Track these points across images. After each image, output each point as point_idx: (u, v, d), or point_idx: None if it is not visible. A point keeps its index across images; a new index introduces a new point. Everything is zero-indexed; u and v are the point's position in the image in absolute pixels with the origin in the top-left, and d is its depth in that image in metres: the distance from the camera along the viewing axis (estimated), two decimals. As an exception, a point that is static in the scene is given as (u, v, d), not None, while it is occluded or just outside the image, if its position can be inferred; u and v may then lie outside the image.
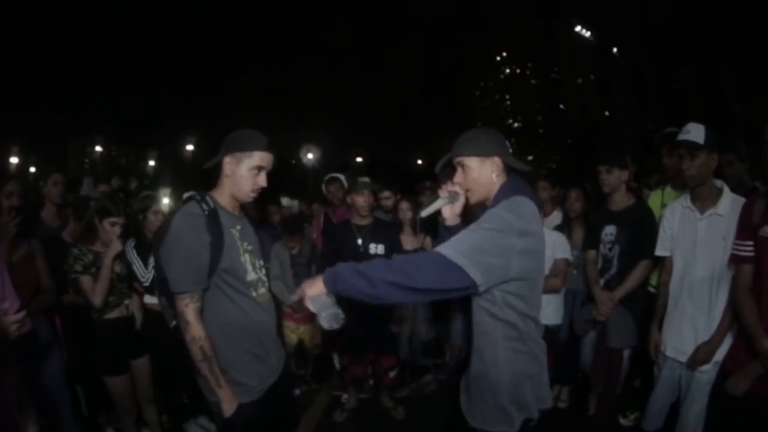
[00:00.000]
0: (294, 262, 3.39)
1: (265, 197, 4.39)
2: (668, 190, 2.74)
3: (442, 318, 3.31)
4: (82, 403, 2.75)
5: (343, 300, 2.81)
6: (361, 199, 2.77)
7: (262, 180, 1.60)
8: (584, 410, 2.86)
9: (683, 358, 2.01)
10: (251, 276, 1.62)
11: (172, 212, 1.63)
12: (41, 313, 2.34)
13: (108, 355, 2.31)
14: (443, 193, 1.54)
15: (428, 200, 1.59)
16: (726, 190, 1.97)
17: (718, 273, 1.91)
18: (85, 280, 2.24)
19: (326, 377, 3.58)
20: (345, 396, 3.17)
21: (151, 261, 2.56)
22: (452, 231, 1.58)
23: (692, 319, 1.99)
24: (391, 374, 2.96)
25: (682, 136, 1.98)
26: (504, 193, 1.39)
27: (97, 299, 2.24)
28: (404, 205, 3.16)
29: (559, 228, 2.97)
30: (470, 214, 1.61)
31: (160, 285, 1.59)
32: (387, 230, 2.88)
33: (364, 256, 2.79)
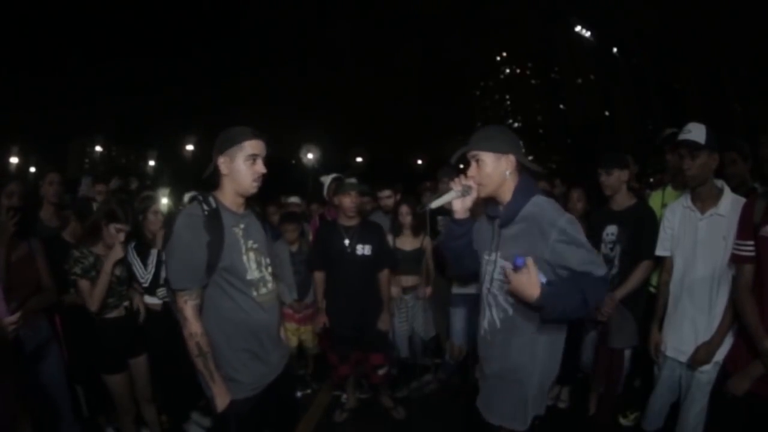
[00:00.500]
0: (294, 260, 3.40)
1: (265, 197, 4.40)
2: (669, 189, 2.74)
3: (442, 318, 3.32)
4: (82, 403, 2.75)
5: (331, 297, 2.83)
6: (348, 200, 2.78)
7: (260, 167, 1.61)
8: (584, 410, 2.86)
9: (683, 358, 2.01)
10: (252, 275, 1.64)
11: (177, 213, 1.67)
12: (42, 313, 2.34)
13: (106, 353, 2.31)
14: (456, 185, 1.55)
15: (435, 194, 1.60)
16: (726, 190, 1.97)
17: (718, 273, 1.91)
18: (83, 285, 2.24)
19: (326, 377, 3.58)
20: (345, 396, 3.17)
21: (150, 261, 2.56)
22: (460, 224, 1.60)
23: (692, 319, 1.99)
24: (380, 372, 2.96)
25: (683, 136, 1.98)
26: (524, 192, 1.48)
27: (94, 304, 2.25)
28: (404, 209, 3.15)
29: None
30: (475, 210, 1.63)
31: (167, 281, 1.64)
32: (374, 231, 2.90)
33: (351, 256, 2.80)
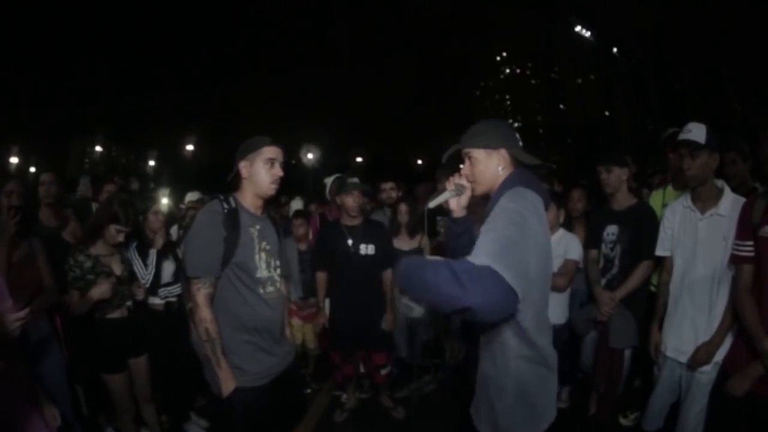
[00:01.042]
0: (302, 259, 3.41)
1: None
2: (669, 189, 2.74)
3: (442, 318, 3.32)
4: (82, 403, 2.75)
5: (335, 297, 2.85)
6: (350, 200, 2.78)
7: (277, 170, 1.76)
8: (584, 410, 2.86)
9: (683, 359, 2.01)
10: (262, 273, 1.77)
11: (186, 209, 1.89)
12: (42, 313, 2.34)
13: (106, 352, 2.31)
14: (450, 185, 1.55)
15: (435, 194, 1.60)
16: (727, 190, 1.97)
17: (718, 273, 1.91)
18: (72, 294, 2.24)
19: (326, 377, 3.58)
20: (345, 396, 3.17)
21: (150, 262, 2.56)
22: (458, 223, 1.60)
23: (692, 320, 1.99)
24: (383, 372, 2.96)
25: (683, 136, 1.98)
26: (507, 185, 1.36)
27: (73, 313, 2.25)
28: (403, 208, 3.15)
29: (562, 227, 2.98)
30: (473, 208, 1.62)
31: (183, 271, 1.80)
32: (377, 230, 2.89)
33: (354, 256, 2.80)
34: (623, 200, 2.58)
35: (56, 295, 2.35)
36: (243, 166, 1.76)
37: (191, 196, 4.02)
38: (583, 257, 2.74)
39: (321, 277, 2.96)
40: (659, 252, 2.22)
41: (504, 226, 1.17)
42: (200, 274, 1.67)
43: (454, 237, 1.64)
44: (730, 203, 1.91)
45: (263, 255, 1.77)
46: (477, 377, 1.49)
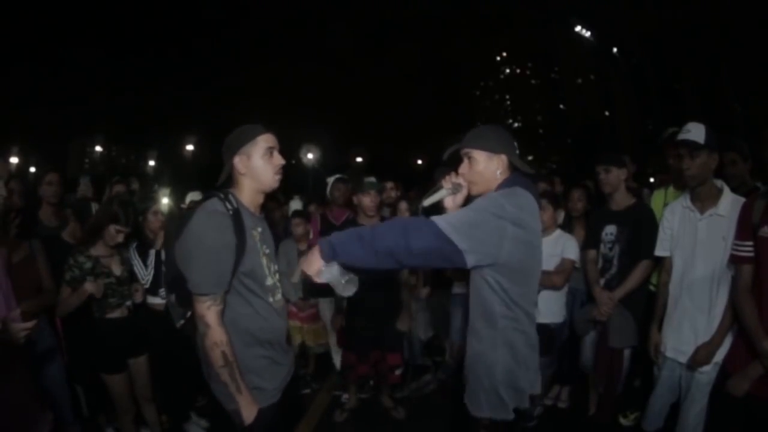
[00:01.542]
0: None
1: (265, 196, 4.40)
2: (671, 189, 2.74)
3: (442, 317, 3.32)
4: (82, 403, 2.75)
5: (351, 300, 2.76)
6: (368, 199, 2.77)
7: (278, 159, 1.57)
8: (584, 410, 2.86)
9: (683, 359, 2.00)
10: (269, 281, 1.57)
11: (186, 209, 1.63)
12: (42, 314, 2.34)
13: (106, 352, 2.32)
14: (446, 183, 1.56)
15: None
16: (726, 190, 1.97)
17: (718, 273, 1.91)
18: (64, 290, 2.24)
19: (326, 377, 3.58)
20: (345, 396, 3.17)
21: (150, 262, 2.55)
22: None
23: (692, 320, 1.98)
24: (397, 372, 2.97)
25: (682, 136, 1.97)
26: (505, 186, 1.44)
27: (60, 312, 2.26)
28: (403, 206, 3.16)
29: (560, 228, 2.98)
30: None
31: (171, 282, 1.53)
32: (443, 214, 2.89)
33: None
34: (621, 200, 2.58)
35: (55, 296, 2.35)
36: (238, 162, 1.53)
37: (192, 196, 4.03)
38: (580, 257, 2.75)
39: None
40: (659, 252, 2.22)
41: (475, 209, 1.32)
42: (211, 290, 1.41)
43: None
44: (729, 203, 1.91)
45: (265, 260, 1.57)
46: (466, 365, 1.54)
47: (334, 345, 3.41)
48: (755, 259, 1.71)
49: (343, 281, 1.33)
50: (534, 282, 1.47)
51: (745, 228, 1.74)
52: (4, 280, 1.62)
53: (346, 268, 1.32)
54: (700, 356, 1.92)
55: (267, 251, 1.59)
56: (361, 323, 2.85)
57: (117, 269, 2.34)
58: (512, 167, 1.51)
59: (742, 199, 1.87)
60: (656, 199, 2.80)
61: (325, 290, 3.23)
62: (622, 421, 2.77)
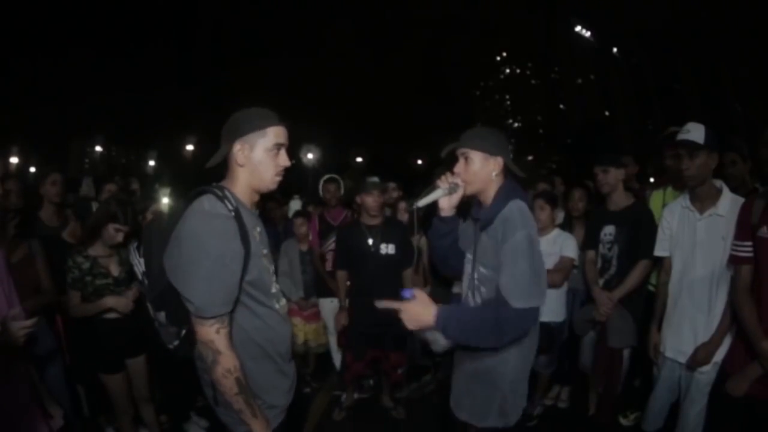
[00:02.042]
0: (302, 259, 3.42)
1: (265, 196, 4.39)
2: (669, 190, 2.74)
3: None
4: (83, 403, 2.75)
5: (354, 299, 2.73)
6: (371, 199, 2.78)
7: (283, 159, 1.33)
8: (584, 410, 2.86)
9: (683, 359, 2.01)
10: (274, 287, 1.40)
11: (174, 208, 1.39)
12: (42, 314, 2.34)
13: (104, 352, 2.32)
14: (443, 183, 1.56)
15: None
16: (725, 190, 1.97)
17: (717, 273, 1.91)
18: (73, 295, 2.25)
19: (326, 377, 3.59)
20: (345, 396, 3.17)
21: (151, 262, 2.55)
22: (446, 222, 1.63)
23: (692, 320, 1.99)
24: (400, 371, 2.97)
25: (681, 136, 1.98)
26: (506, 194, 1.48)
27: (74, 314, 2.27)
28: (402, 206, 3.16)
29: (561, 227, 2.99)
30: (463, 206, 1.64)
31: (158, 298, 1.30)
32: (397, 229, 2.90)
33: (375, 255, 2.80)
34: (620, 200, 2.58)
35: (54, 297, 2.35)
36: (238, 150, 1.28)
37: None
38: (579, 256, 2.75)
39: (341, 276, 2.97)
40: (658, 252, 2.22)
41: (525, 260, 1.38)
42: (219, 311, 1.20)
43: (439, 236, 1.67)
44: (728, 203, 1.91)
45: (264, 261, 1.37)
46: (465, 377, 1.56)
47: (334, 345, 3.41)
48: (754, 260, 1.71)
49: (441, 342, 1.45)
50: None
51: (744, 228, 1.74)
52: (5, 279, 1.62)
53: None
54: (700, 356, 1.92)
55: (265, 252, 1.39)
56: (365, 322, 2.85)
57: (115, 270, 2.34)
58: (507, 171, 1.53)
59: (742, 200, 1.87)
60: (655, 200, 2.80)
61: (326, 290, 3.24)
62: (622, 421, 2.77)
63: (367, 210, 2.82)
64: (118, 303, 2.27)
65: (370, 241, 2.82)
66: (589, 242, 2.69)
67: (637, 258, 2.44)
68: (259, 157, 1.30)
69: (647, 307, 2.37)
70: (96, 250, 2.30)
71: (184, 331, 1.30)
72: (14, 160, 21.96)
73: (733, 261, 1.78)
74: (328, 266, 3.32)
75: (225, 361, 1.21)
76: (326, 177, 3.69)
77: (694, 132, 1.94)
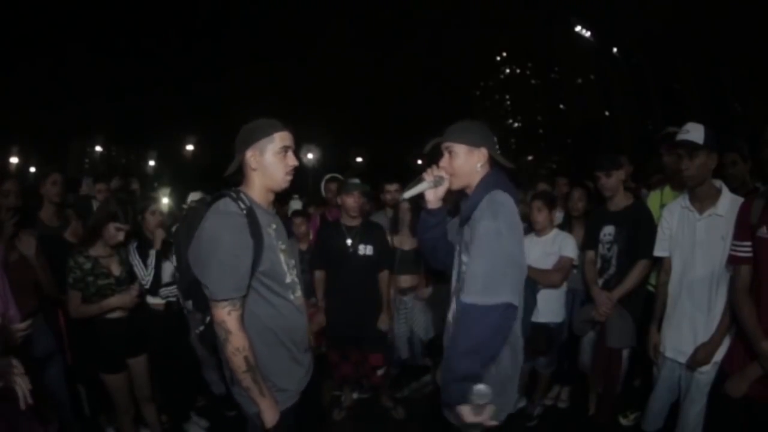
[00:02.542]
0: (302, 259, 3.42)
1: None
2: (667, 190, 2.74)
3: (442, 318, 3.31)
4: (84, 402, 2.75)
5: (331, 299, 2.71)
6: (351, 200, 2.81)
7: (291, 159, 1.52)
8: (584, 410, 2.86)
9: (682, 359, 2.01)
10: (289, 278, 1.54)
11: (195, 209, 1.55)
12: (40, 313, 2.35)
13: (105, 352, 2.32)
14: (428, 176, 1.58)
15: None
16: (725, 190, 1.97)
17: (717, 273, 1.91)
18: (73, 296, 2.25)
19: (326, 377, 3.58)
20: (344, 395, 3.17)
21: (150, 262, 2.56)
22: (433, 215, 1.63)
23: (691, 320, 1.99)
24: (379, 373, 2.97)
25: (681, 136, 1.98)
26: (484, 186, 1.46)
27: (75, 314, 2.27)
28: (404, 205, 3.16)
29: (560, 227, 2.99)
30: (451, 199, 1.64)
31: (187, 288, 1.48)
32: (376, 231, 2.92)
33: (353, 256, 2.82)
34: (619, 201, 2.58)
35: (55, 293, 2.36)
36: (251, 156, 1.48)
37: (194, 196, 4.02)
38: (579, 256, 2.75)
39: (319, 276, 2.97)
40: (657, 252, 2.22)
41: (485, 254, 1.34)
42: (230, 295, 1.36)
43: (426, 229, 1.69)
44: (728, 203, 1.91)
45: (283, 257, 1.53)
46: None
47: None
48: (753, 260, 1.71)
49: (483, 388, 1.31)
50: (525, 271, 1.50)
51: (744, 228, 1.74)
52: (0, 278, 1.62)
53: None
54: (700, 356, 1.92)
55: (283, 247, 1.55)
56: (342, 323, 2.86)
57: (116, 269, 2.34)
58: (492, 161, 1.53)
59: (741, 199, 1.87)
60: (653, 200, 2.80)
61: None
62: (622, 421, 2.77)
63: (347, 211, 2.85)
64: (122, 301, 2.27)
65: (349, 242, 2.85)
66: (588, 242, 2.69)
67: (637, 258, 2.44)
68: (269, 160, 1.48)
69: (647, 307, 2.37)
70: (97, 250, 2.30)
71: (208, 318, 1.44)
72: (14, 160, 21.96)
73: (733, 261, 1.78)
74: None
75: (235, 340, 1.36)
76: (328, 176, 3.69)
77: (694, 132, 1.95)
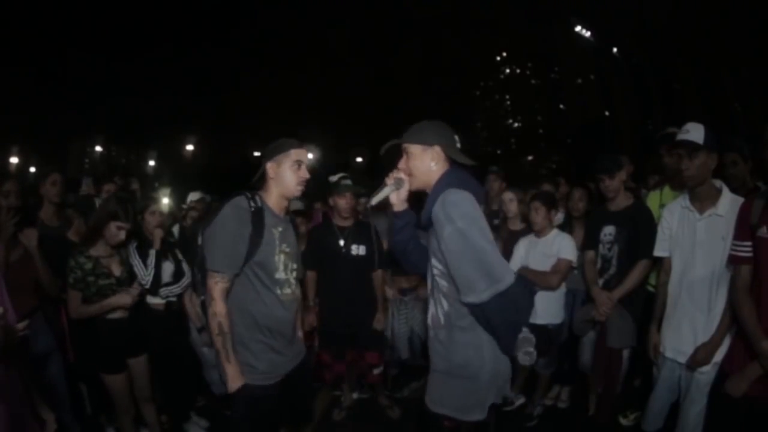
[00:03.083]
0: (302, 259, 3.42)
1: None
2: (667, 190, 2.74)
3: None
4: (86, 402, 2.75)
5: (325, 297, 2.74)
6: (343, 201, 2.83)
7: (303, 172, 1.78)
8: (584, 410, 2.86)
9: (682, 359, 2.01)
10: (280, 275, 1.77)
11: (215, 205, 1.86)
12: (40, 312, 2.35)
13: (106, 352, 2.32)
14: (389, 180, 1.61)
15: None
16: (725, 190, 1.97)
17: (717, 273, 1.91)
18: (73, 296, 2.25)
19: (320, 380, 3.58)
20: (344, 396, 3.17)
21: (150, 262, 2.57)
22: (399, 217, 1.66)
23: (692, 320, 1.99)
24: (376, 372, 2.97)
25: (681, 136, 1.98)
26: (438, 188, 1.48)
27: (75, 315, 2.28)
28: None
29: (561, 228, 2.99)
30: (416, 199, 1.65)
31: (200, 262, 1.75)
32: (368, 231, 2.91)
33: (345, 256, 2.82)
34: (620, 201, 2.59)
35: (55, 291, 2.36)
36: (270, 167, 1.77)
37: (193, 196, 4.03)
38: (579, 256, 2.75)
39: (311, 276, 2.98)
40: (658, 252, 2.22)
41: (460, 257, 1.37)
42: (221, 269, 1.65)
43: (396, 231, 1.71)
44: (728, 203, 1.91)
45: (282, 257, 1.78)
46: (436, 369, 1.57)
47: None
48: (754, 260, 1.71)
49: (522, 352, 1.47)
50: None
51: (744, 228, 1.74)
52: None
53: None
54: (700, 356, 1.93)
55: (287, 249, 1.79)
56: (335, 322, 2.86)
57: (117, 270, 2.34)
58: (450, 159, 1.54)
59: (741, 199, 1.88)
60: (652, 200, 2.80)
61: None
62: (622, 421, 2.78)
63: (339, 211, 2.87)
64: (121, 301, 2.28)
65: (341, 242, 2.86)
66: (588, 242, 2.69)
67: (637, 258, 2.43)
68: (284, 172, 1.76)
69: (647, 307, 2.37)
70: (98, 250, 2.30)
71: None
72: (14, 160, 21.96)
73: (733, 261, 1.79)
74: None
75: (214, 305, 1.64)
76: (340, 175, 3.68)
77: (694, 132, 1.95)
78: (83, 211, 2.83)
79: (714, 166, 1.96)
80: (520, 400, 3.10)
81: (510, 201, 3.14)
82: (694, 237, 2.00)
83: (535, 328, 2.68)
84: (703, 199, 1.99)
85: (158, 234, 2.62)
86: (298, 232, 2.03)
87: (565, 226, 3.10)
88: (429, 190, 1.53)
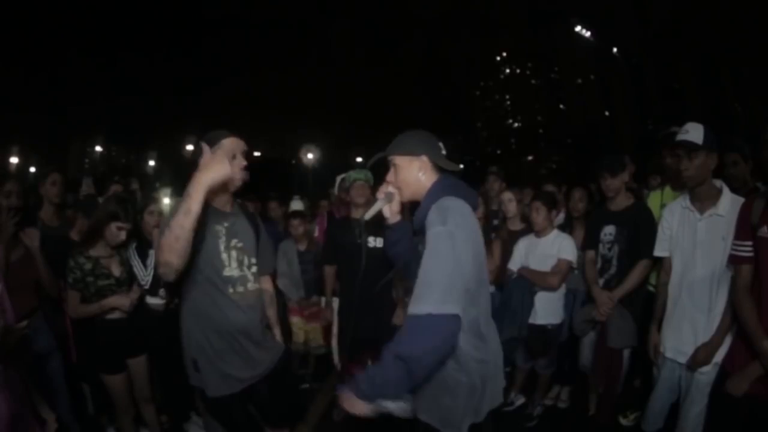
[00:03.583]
0: (302, 259, 3.42)
1: (266, 197, 4.41)
2: (667, 190, 2.74)
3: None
4: (88, 402, 2.75)
5: (345, 291, 2.67)
6: (355, 192, 2.84)
7: (240, 161, 1.70)
8: (584, 410, 2.86)
9: (683, 359, 2.00)
10: (231, 272, 1.71)
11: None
12: (40, 312, 2.35)
13: (105, 353, 2.32)
14: (380, 194, 1.60)
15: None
16: (725, 190, 1.97)
17: (718, 273, 1.91)
18: (72, 296, 2.25)
19: (326, 377, 3.58)
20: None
21: (150, 262, 2.56)
22: (395, 229, 1.65)
23: (692, 320, 1.99)
24: None
25: (680, 137, 1.98)
26: (431, 196, 1.43)
27: (74, 314, 2.28)
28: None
29: (561, 228, 2.99)
30: (408, 210, 1.65)
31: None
32: (383, 224, 2.90)
33: (363, 249, 2.79)
34: (620, 201, 2.58)
35: (55, 290, 2.36)
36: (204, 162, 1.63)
37: None
38: (579, 256, 2.75)
39: (329, 271, 2.98)
40: (658, 252, 2.22)
41: (431, 260, 1.27)
42: (164, 229, 1.55)
43: (392, 244, 1.70)
44: (728, 203, 1.91)
45: (233, 253, 1.72)
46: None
47: (335, 345, 3.40)
48: (754, 259, 1.71)
49: (393, 408, 1.36)
50: (486, 279, 1.45)
51: (744, 228, 1.74)
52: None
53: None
54: (700, 357, 1.92)
55: (239, 245, 1.73)
56: (355, 323, 2.84)
57: (116, 270, 2.34)
58: (437, 167, 1.50)
59: (742, 199, 1.87)
60: (653, 200, 2.80)
61: (334, 289, 3.21)
62: (622, 421, 2.77)
63: (355, 203, 2.85)
64: (120, 302, 2.27)
65: (359, 235, 2.84)
66: (589, 242, 2.69)
67: (637, 258, 2.43)
68: None
69: (647, 308, 2.37)
70: (98, 250, 2.30)
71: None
72: (14, 160, 21.96)
73: (733, 261, 1.78)
74: None
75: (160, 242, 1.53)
76: (343, 176, 3.70)
77: (693, 132, 1.94)
78: (86, 211, 2.84)
79: (714, 166, 1.96)
80: (520, 400, 3.10)
81: (509, 201, 3.14)
82: (694, 237, 2.00)
83: (534, 328, 2.71)
84: (703, 199, 1.98)
85: (157, 234, 2.62)
86: (259, 226, 1.94)
87: (566, 227, 3.10)
88: (421, 199, 1.49)
